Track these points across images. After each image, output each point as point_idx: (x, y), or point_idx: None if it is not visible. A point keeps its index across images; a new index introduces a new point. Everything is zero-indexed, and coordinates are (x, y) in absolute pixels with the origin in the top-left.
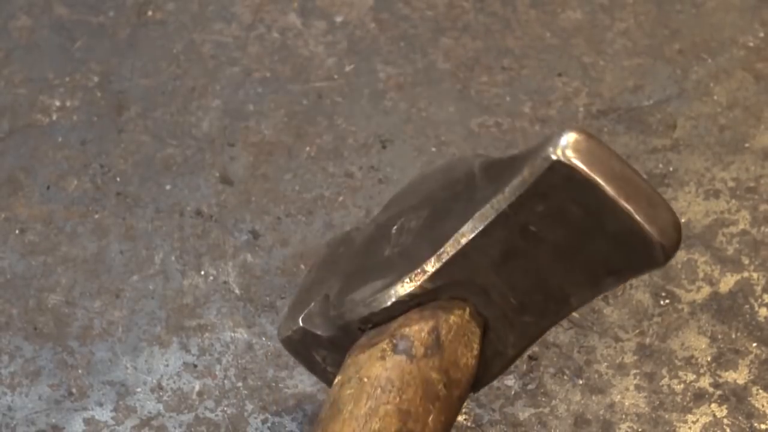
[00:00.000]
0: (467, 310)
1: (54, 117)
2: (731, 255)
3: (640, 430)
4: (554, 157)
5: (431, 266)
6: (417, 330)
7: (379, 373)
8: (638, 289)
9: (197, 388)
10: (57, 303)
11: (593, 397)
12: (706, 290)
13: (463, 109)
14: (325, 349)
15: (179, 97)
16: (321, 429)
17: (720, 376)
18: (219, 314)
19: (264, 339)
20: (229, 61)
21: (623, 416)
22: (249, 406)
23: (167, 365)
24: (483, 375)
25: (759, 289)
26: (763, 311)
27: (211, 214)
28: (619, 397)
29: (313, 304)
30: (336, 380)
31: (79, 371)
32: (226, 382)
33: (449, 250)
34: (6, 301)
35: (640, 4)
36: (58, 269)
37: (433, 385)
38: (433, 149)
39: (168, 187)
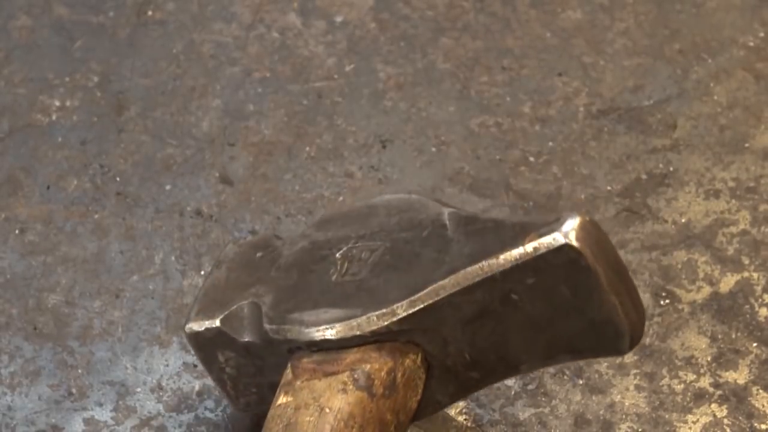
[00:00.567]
0: (419, 355)
1: (54, 117)
2: (731, 255)
3: (640, 430)
4: (564, 240)
5: (402, 310)
6: (377, 368)
7: (342, 406)
8: (638, 289)
9: (197, 388)
10: (57, 303)
11: (593, 397)
12: (706, 290)
13: (463, 109)
14: (233, 353)
15: (179, 97)
16: None
17: (720, 376)
18: None
19: None
20: (229, 61)
21: (623, 416)
22: None
23: (167, 365)
24: (412, 419)
25: (759, 289)
26: (763, 311)
27: (211, 214)
28: (619, 397)
29: (235, 307)
30: (284, 399)
31: (79, 371)
32: None
33: (425, 298)
34: (6, 301)
35: (640, 4)
36: (58, 269)
37: (387, 426)
38: (433, 149)
39: (168, 187)
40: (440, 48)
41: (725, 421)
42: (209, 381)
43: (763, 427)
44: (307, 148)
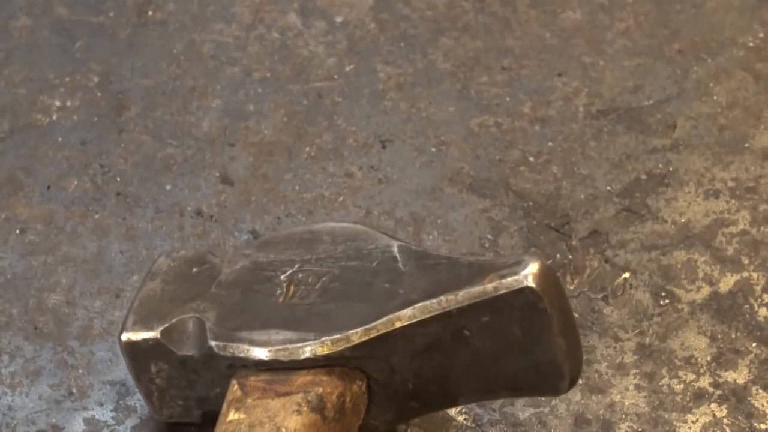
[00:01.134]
0: (365, 382)
1: (54, 117)
2: (731, 255)
3: (640, 430)
4: (525, 283)
5: (357, 337)
6: (329, 392)
7: (297, 427)
8: (638, 289)
9: None
10: (57, 303)
11: (593, 397)
12: (706, 290)
13: (463, 109)
14: (167, 365)
15: (179, 97)
16: None
17: (720, 376)
18: None
19: None
20: (229, 61)
21: (623, 416)
22: None
23: None
24: None
25: (759, 289)
26: (763, 311)
27: (211, 214)
28: (619, 396)
29: (176, 320)
30: (235, 416)
31: (80, 371)
32: None
33: (380, 328)
34: (6, 301)
35: (640, 4)
36: (58, 269)
37: None
38: (433, 149)
39: (168, 187)
40: (440, 48)
41: (725, 420)
42: None
43: (763, 426)
44: (307, 148)
